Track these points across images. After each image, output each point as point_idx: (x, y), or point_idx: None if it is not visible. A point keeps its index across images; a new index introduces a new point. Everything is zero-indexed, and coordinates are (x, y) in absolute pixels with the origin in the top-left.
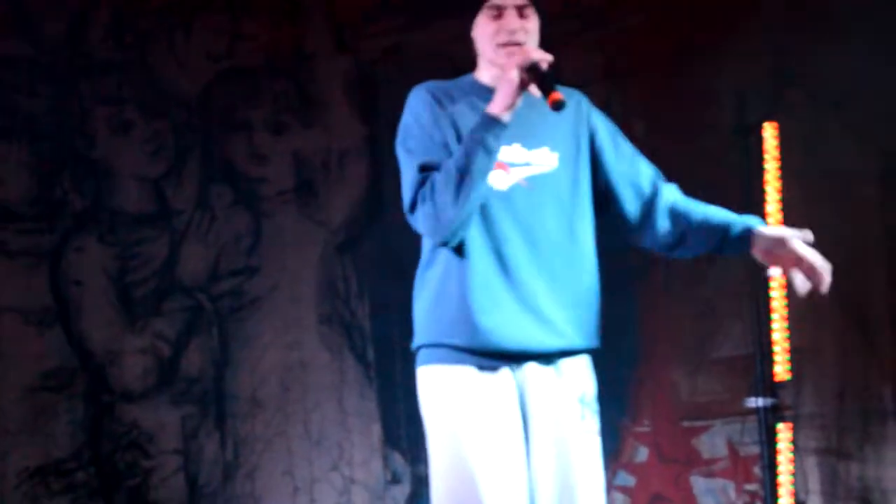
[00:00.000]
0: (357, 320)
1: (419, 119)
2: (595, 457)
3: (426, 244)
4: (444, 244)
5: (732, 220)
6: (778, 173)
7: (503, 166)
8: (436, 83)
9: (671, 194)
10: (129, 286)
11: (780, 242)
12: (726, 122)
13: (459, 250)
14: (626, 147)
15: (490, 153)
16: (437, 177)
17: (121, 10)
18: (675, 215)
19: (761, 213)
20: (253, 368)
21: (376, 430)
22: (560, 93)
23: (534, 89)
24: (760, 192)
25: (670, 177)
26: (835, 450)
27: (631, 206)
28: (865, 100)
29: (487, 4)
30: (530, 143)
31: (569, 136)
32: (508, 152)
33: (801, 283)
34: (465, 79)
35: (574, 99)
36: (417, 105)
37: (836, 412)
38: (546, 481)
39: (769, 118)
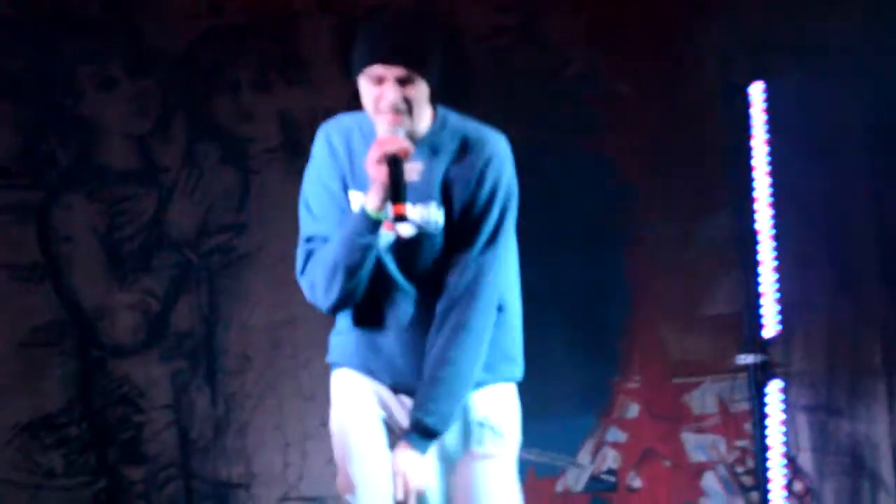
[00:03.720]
0: None
1: (318, 173)
2: (492, 484)
3: None
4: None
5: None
6: (765, 133)
7: (388, 225)
8: (339, 122)
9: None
10: (118, 242)
11: None
12: (712, 81)
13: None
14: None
15: (367, 250)
16: (318, 260)
17: None
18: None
19: (748, 173)
20: (243, 324)
21: None
22: (404, 207)
23: (414, 171)
24: (747, 152)
25: (657, 136)
26: (825, 406)
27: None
28: (853, 57)
29: (366, 71)
30: (415, 197)
31: (456, 192)
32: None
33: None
34: (368, 120)
35: (475, 154)
36: (318, 154)
37: (825, 369)
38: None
39: (756, 77)
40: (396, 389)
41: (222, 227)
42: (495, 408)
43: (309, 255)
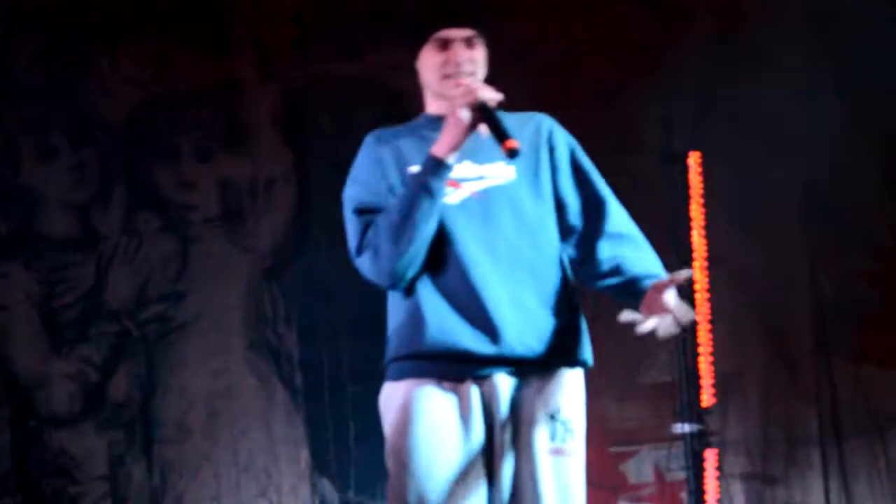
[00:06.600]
0: (285, 346)
1: (360, 163)
2: (568, 479)
3: None
4: (392, 288)
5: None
6: (702, 201)
7: (454, 183)
8: (387, 128)
9: (613, 228)
10: (56, 311)
11: (656, 290)
12: (654, 149)
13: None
14: (583, 168)
15: (434, 197)
16: (380, 222)
17: (47, 37)
18: (610, 256)
19: (687, 239)
20: (180, 394)
21: (304, 456)
22: (514, 140)
23: (483, 128)
24: (685, 220)
25: None
26: (760, 475)
27: (571, 226)
28: (788, 128)
29: (433, 37)
30: (481, 158)
31: (527, 151)
32: (459, 169)
33: (664, 327)
34: (417, 118)
35: (533, 120)
36: (360, 151)
37: (761, 438)
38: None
39: (694, 146)
40: (464, 374)
41: (161, 297)
42: (567, 400)
43: (366, 227)
